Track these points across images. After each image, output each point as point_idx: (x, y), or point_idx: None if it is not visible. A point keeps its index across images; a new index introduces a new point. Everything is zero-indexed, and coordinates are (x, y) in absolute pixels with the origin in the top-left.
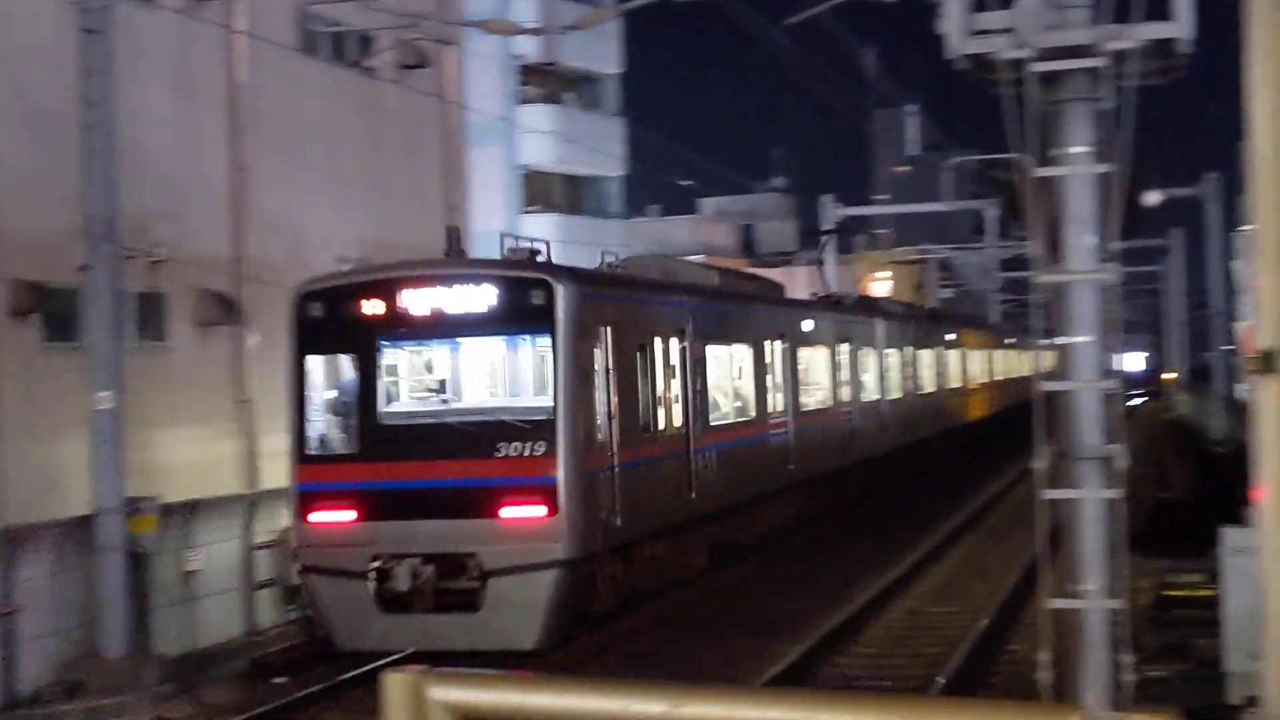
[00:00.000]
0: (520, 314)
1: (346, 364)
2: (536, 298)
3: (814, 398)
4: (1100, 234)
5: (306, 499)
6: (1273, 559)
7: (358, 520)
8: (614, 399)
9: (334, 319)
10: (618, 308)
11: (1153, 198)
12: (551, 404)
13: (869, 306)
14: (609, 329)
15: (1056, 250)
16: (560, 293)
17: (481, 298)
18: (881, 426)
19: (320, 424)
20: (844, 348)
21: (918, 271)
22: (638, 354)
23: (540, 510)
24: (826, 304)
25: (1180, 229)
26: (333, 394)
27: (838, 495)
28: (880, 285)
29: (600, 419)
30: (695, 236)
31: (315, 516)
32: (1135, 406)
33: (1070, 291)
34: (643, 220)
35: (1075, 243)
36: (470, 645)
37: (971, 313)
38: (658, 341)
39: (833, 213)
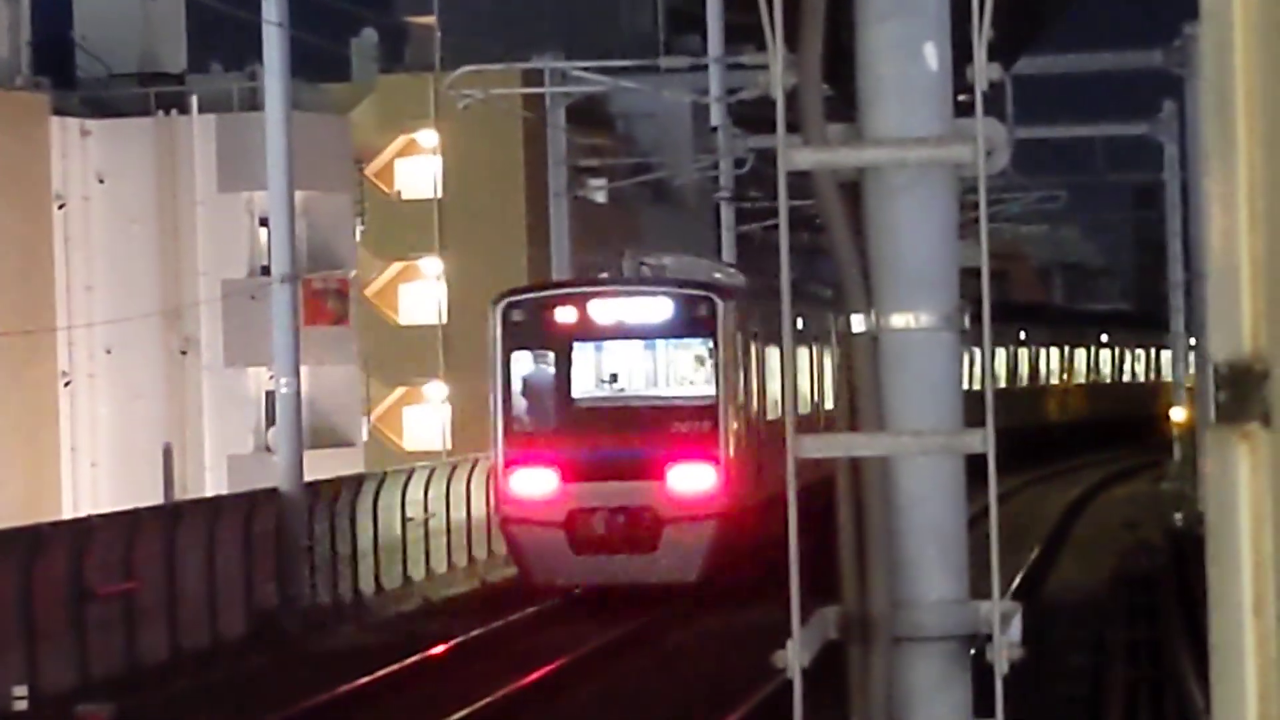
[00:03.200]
0: (689, 322)
1: (542, 359)
2: (702, 310)
3: None
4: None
5: (512, 465)
6: None
7: (557, 481)
8: (758, 388)
9: (535, 323)
10: (758, 315)
11: None
12: (714, 393)
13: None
14: (753, 333)
15: (844, 81)
16: (720, 307)
17: (658, 309)
18: None
19: (523, 406)
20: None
21: (518, 131)
22: (772, 353)
23: (704, 473)
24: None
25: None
26: (533, 382)
27: None
28: (416, 167)
29: (751, 405)
30: None
31: (519, 478)
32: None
33: (879, 192)
34: None
35: (886, 65)
36: (645, 580)
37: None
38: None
39: None
